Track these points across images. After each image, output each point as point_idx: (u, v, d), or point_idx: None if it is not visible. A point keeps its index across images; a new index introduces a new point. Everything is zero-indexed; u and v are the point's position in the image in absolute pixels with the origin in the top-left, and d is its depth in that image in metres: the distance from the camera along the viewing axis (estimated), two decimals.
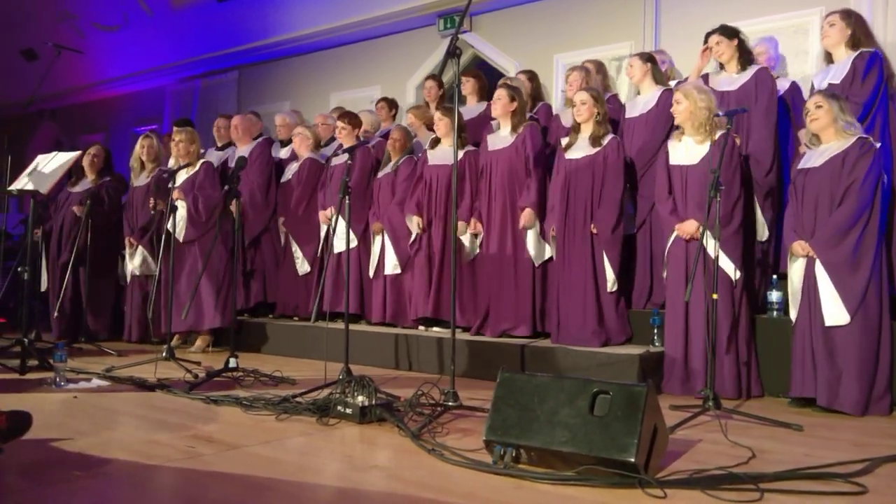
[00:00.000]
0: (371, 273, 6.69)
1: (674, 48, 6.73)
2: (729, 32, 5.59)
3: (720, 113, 4.78)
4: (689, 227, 4.92)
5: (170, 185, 6.21)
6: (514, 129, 5.92)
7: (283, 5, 9.70)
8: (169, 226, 6.63)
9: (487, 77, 7.30)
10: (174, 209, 6.06)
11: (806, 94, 5.53)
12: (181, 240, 6.67)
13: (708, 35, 5.68)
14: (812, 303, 4.48)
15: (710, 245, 4.52)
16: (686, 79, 5.90)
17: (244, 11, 10.08)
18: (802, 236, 4.56)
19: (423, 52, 8.92)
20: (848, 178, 4.42)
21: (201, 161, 7.04)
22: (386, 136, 7.11)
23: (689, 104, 4.96)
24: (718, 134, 4.87)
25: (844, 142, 4.52)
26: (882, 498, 2.76)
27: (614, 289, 5.40)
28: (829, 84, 5.06)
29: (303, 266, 7.11)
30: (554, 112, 6.74)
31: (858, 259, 4.36)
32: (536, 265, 5.74)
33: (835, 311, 4.36)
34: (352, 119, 6.97)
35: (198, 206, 6.73)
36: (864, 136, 4.53)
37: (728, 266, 4.83)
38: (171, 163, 7.18)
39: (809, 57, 6.37)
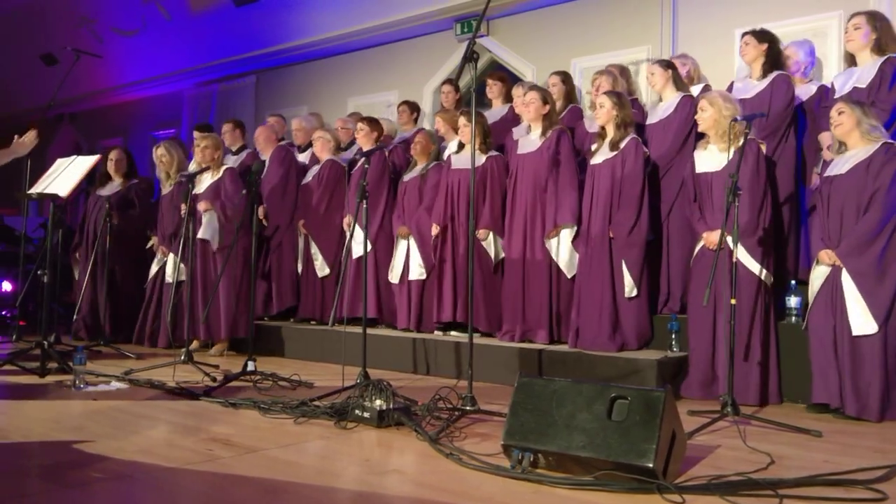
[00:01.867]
0: (395, 279, 6.63)
1: (691, 52, 6.69)
2: (760, 36, 5.57)
3: (737, 118, 4.75)
4: (716, 237, 4.86)
5: (189, 188, 6.22)
6: (543, 132, 5.89)
7: (300, 10, 9.73)
8: (200, 234, 6.68)
9: (511, 80, 7.31)
10: (193, 214, 6.08)
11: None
12: (215, 248, 6.76)
13: (744, 34, 5.68)
14: (838, 311, 4.43)
15: (736, 250, 4.47)
16: (706, 86, 5.88)
17: (262, 16, 10.12)
18: (829, 245, 4.52)
19: (440, 56, 8.93)
20: (873, 185, 4.39)
21: (224, 167, 7.09)
22: (406, 140, 7.11)
23: (714, 112, 4.94)
24: (742, 140, 4.83)
25: (869, 147, 4.49)
26: None
27: (633, 294, 5.34)
28: (854, 88, 5.01)
29: (322, 269, 7.09)
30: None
31: (884, 267, 4.33)
32: (569, 276, 5.70)
33: (862, 321, 4.32)
34: (371, 122, 7.02)
35: (227, 212, 6.80)
36: (890, 141, 4.49)
37: (760, 271, 4.81)
38: (192, 166, 7.23)
39: (828, 61, 6.32)
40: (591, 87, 6.32)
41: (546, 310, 5.72)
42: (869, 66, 5.09)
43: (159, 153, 7.65)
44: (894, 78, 4.95)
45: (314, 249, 7.14)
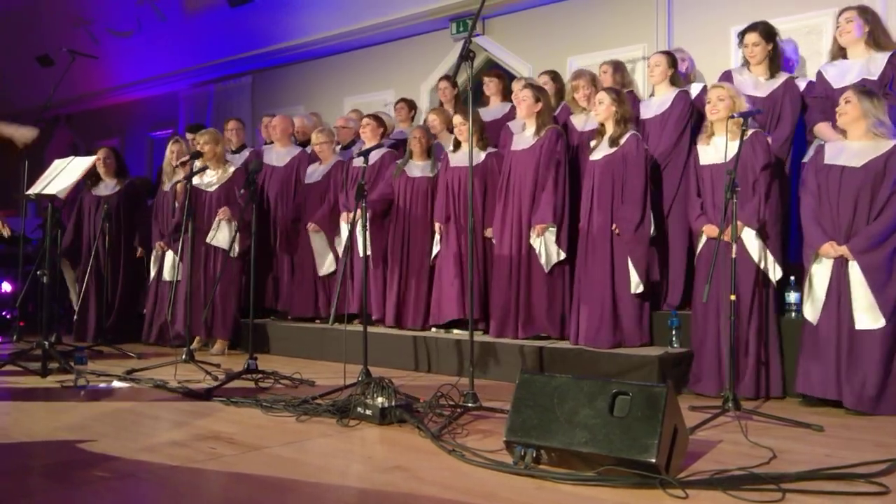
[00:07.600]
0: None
1: (686, 50, 6.70)
2: (768, 35, 5.53)
3: (734, 114, 4.75)
4: (717, 230, 4.88)
5: (188, 187, 6.18)
6: (537, 130, 5.88)
7: (296, 10, 9.72)
8: (212, 240, 6.65)
9: (508, 78, 7.30)
10: (191, 214, 6.05)
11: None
12: (235, 254, 6.72)
13: (744, 32, 5.62)
14: (843, 305, 4.44)
15: (735, 246, 4.45)
16: (704, 87, 5.88)
17: (257, 16, 10.11)
18: (834, 237, 4.50)
19: (436, 55, 8.93)
20: (893, 185, 4.38)
21: (234, 168, 7.08)
22: (404, 139, 7.09)
23: (731, 103, 4.92)
24: (749, 132, 4.82)
25: (881, 143, 4.48)
26: None
27: (639, 290, 5.31)
28: (864, 80, 4.96)
29: (331, 267, 7.03)
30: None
31: (894, 265, 4.35)
32: (546, 270, 5.70)
33: (869, 316, 4.34)
34: (376, 118, 7.02)
35: (245, 219, 6.75)
36: None
37: (770, 264, 4.83)
38: (197, 164, 7.23)
39: (823, 58, 6.31)
40: (573, 93, 6.29)
41: (525, 305, 5.73)
42: (876, 60, 5.08)
43: (176, 148, 7.63)
44: None
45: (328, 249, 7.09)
